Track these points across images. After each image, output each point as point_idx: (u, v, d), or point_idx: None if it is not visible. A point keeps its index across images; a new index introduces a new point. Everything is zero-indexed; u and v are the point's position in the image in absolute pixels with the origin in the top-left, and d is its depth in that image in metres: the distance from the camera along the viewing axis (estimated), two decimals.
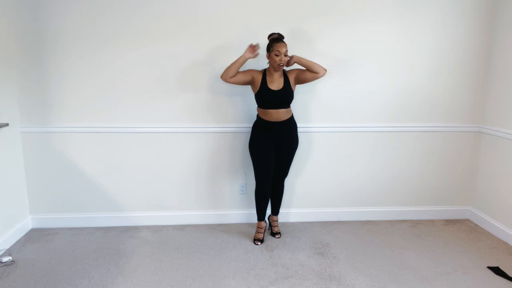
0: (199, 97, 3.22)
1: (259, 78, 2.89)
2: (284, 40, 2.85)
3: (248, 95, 3.17)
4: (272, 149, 2.98)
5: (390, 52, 3.26)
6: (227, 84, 3.18)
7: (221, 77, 2.85)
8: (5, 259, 2.74)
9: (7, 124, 2.94)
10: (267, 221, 3.35)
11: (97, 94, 3.14)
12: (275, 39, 2.82)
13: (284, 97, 2.88)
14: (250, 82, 2.91)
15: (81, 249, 2.97)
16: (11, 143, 3.06)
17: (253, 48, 2.84)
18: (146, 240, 3.12)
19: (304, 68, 2.92)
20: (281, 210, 3.37)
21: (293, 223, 3.46)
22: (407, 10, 3.20)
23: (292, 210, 3.48)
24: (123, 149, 3.25)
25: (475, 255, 2.94)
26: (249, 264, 2.78)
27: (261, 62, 3.06)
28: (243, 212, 3.45)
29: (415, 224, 3.48)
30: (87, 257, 2.84)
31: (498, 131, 3.24)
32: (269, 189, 3.08)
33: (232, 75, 2.83)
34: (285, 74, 2.94)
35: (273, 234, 3.22)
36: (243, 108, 3.20)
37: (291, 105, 3.03)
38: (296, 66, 2.97)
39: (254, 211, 3.40)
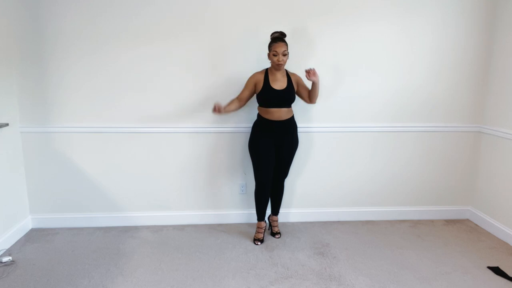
0: (199, 97, 3.21)
1: (261, 79, 2.88)
2: (285, 39, 2.84)
3: None
4: (272, 149, 2.97)
5: (390, 52, 3.26)
6: (227, 84, 3.19)
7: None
8: (5, 259, 2.74)
9: (7, 124, 2.94)
10: (267, 221, 3.35)
11: (97, 94, 3.14)
12: (275, 38, 2.82)
13: (287, 97, 2.88)
14: (256, 88, 2.91)
15: (81, 249, 2.97)
16: (11, 143, 3.06)
17: (217, 111, 2.81)
18: (146, 240, 3.12)
19: (304, 84, 2.99)
20: (281, 210, 3.37)
21: (293, 223, 3.46)
22: (407, 10, 3.20)
23: (292, 210, 3.48)
24: (123, 149, 3.25)
25: (475, 255, 2.94)
26: (249, 264, 2.78)
27: (263, 63, 3.06)
28: (243, 212, 3.45)
29: (415, 224, 3.48)
30: (87, 257, 2.84)
31: (498, 131, 3.24)
32: (269, 189, 3.07)
33: (237, 108, 2.95)
34: (288, 75, 2.94)
35: (273, 234, 3.22)
36: (243, 108, 3.19)
37: (292, 105, 3.03)
38: (300, 72, 3.00)
39: (254, 211, 3.40)
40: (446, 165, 3.51)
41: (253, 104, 3.10)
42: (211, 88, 3.21)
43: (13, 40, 2.99)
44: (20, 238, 3.14)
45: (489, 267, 2.77)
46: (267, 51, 2.91)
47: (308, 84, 3.02)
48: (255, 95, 2.98)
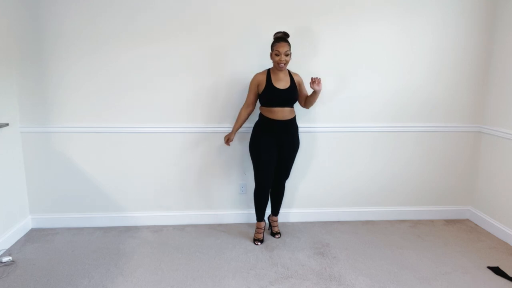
0: (199, 97, 3.22)
1: (263, 79, 2.86)
2: (288, 40, 2.82)
3: None
4: (273, 149, 2.94)
5: (390, 52, 3.26)
6: (228, 84, 3.19)
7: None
8: (5, 259, 2.74)
9: (7, 124, 2.94)
10: (267, 221, 3.35)
11: (97, 94, 3.14)
12: (278, 38, 2.79)
13: (290, 96, 2.86)
14: (259, 88, 2.90)
15: (81, 249, 2.97)
16: (11, 143, 3.06)
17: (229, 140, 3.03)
18: (146, 240, 3.12)
19: (304, 88, 3.00)
20: (281, 210, 3.37)
21: (293, 223, 3.46)
22: (407, 10, 3.20)
23: (292, 210, 3.48)
24: (123, 149, 3.25)
25: (475, 255, 2.94)
26: (249, 264, 2.78)
27: (264, 63, 3.06)
28: (243, 212, 3.45)
29: (415, 224, 3.48)
30: (87, 257, 2.84)
31: (498, 131, 3.24)
32: (269, 190, 3.06)
33: (247, 116, 3.01)
34: (290, 74, 2.92)
35: (273, 234, 3.22)
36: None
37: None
38: (301, 74, 3.01)
39: (254, 211, 3.40)
40: (446, 165, 3.51)
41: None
42: (212, 88, 3.21)
43: (13, 40, 2.99)
44: (20, 238, 3.14)
45: (489, 267, 2.77)
46: (268, 51, 2.91)
47: (309, 90, 3.01)
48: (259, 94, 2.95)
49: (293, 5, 3.11)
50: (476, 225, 3.49)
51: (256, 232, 3.14)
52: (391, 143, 3.42)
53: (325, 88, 3.24)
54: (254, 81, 2.90)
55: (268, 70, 2.90)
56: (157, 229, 3.32)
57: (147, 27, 3.07)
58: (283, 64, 2.78)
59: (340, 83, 3.27)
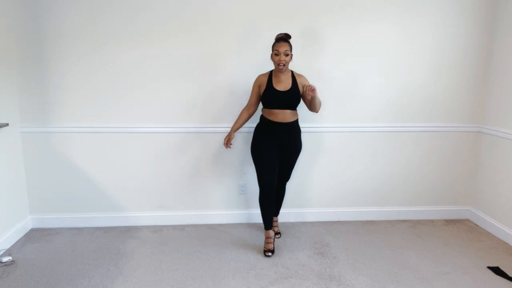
0: (200, 97, 3.22)
1: (264, 80, 2.83)
2: (290, 41, 2.78)
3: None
4: (275, 151, 2.86)
5: (390, 52, 3.26)
6: (228, 84, 3.19)
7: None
8: (5, 259, 2.74)
9: (7, 124, 2.94)
10: None
11: (97, 94, 3.14)
12: (278, 39, 2.76)
13: (291, 99, 2.79)
14: (260, 90, 2.86)
15: (81, 249, 2.97)
16: (11, 143, 3.06)
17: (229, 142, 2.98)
18: (146, 240, 3.12)
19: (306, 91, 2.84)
20: (281, 210, 3.36)
21: (293, 223, 3.46)
22: (407, 10, 3.20)
23: (292, 210, 3.48)
24: (123, 149, 3.25)
25: (475, 255, 2.94)
26: (249, 264, 2.78)
27: (265, 63, 3.06)
28: (243, 212, 3.45)
29: (415, 224, 3.48)
30: (87, 257, 2.84)
31: (498, 131, 3.23)
32: (273, 194, 2.91)
33: (248, 117, 2.99)
34: (294, 77, 2.85)
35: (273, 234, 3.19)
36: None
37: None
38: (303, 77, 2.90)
39: (253, 211, 3.41)
40: (446, 165, 3.51)
41: None
42: (212, 88, 3.21)
43: (13, 40, 2.99)
44: (20, 238, 3.14)
45: (489, 267, 2.77)
46: (267, 52, 2.90)
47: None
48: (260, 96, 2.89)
49: (292, 6, 3.11)
50: (476, 225, 3.49)
51: (266, 243, 2.95)
52: (391, 143, 3.42)
53: (325, 88, 3.24)
54: (256, 82, 2.88)
55: (271, 72, 2.86)
56: (157, 229, 3.32)
57: (147, 27, 3.07)
58: (282, 64, 2.72)
59: (339, 83, 3.27)
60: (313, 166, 3.41)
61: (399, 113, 3.37)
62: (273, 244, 2.96)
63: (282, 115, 2.82)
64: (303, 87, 2.74)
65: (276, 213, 3.23)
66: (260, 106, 2.98)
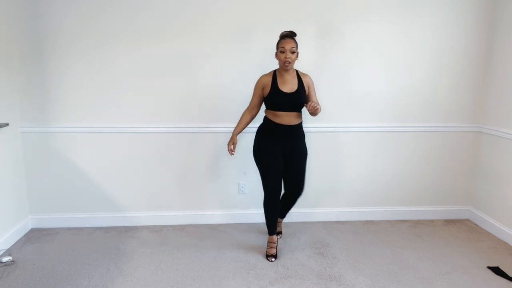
0: (200, 97, 3.21)
1: (268, 81, 2.69)
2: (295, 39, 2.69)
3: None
4: (278, 154, 2.74)
5: (390, 52, 3.26)
6: (229, 84, 3.19)
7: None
8: (5, 259, 2.74)
9: (7, 124, 2.93)
10: None
11: (97, 94, 3.14)
12: (283, 36, 2.64)
13: (297, 100, 2.67)
14: (264, 91, 2.73)
15: (81, 249, 2.97)
16: (11, 143, 3.06)
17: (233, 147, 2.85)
18: (146, 240, 3.12)
19: (313, 92, 2.79)
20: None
21: (293, 223, 3.45)
22: (407, 10, 3.20)
23: (292, 210, 3.45)
24: (123, 149, 3.25)
25: (475, 255, 2.94)
26: (249, 264, 2.78)
27: (265, 63, 3.06)
28: (243, 212, 3.45)
29: (415, 224, 3.48)
30: (87, 257, 2.84)
31: (498, 131, 3.23)
32: (279, 197, 2.83)
33: (251, 120, 2.86)
34: (299, 76, 2.73)
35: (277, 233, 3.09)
36: (244, 108, 3.19)
37: None
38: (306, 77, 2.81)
39: (254, 211, 3.41)
40: (446, 165, 3.51)
41: None
42: (212, 88, 3.21)
43: (13, 40, 2.99)
44: (20, 238, 3.14)
45: (489, 267, 2.77)
46: (268, 51, 2.89)
47: (319, 95, 2.89)
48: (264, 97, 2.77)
49: (292, 5, 3.11)
50: (476, 225, 3.49)
51: (269, 247, 2.89)
52: (391, 143, 3.42)
53: (326, 88, 3.24)
54: (259, 84, 2.74)
55: (274, 72, 2.73)
56: (157, 229, 3.32)
57: (148, 28, 3.07)
58: (288, 62, 2.60)
59: (340, 83, 3.27)
60: (313, 166, 3.41)
61: (399, 113, 3.37)
62: (276, 249, 2.90)
63: (287, 118, 2.69)
64: (307, 104, 2.61)
65: (282, 216, 3.12)
66: (263, 106, 2.89)
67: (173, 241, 3.11)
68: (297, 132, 2.77)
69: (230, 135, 2.95)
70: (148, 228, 3.35)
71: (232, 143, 2.83)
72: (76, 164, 3.25)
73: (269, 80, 2.70)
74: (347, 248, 3.03)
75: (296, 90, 2.67)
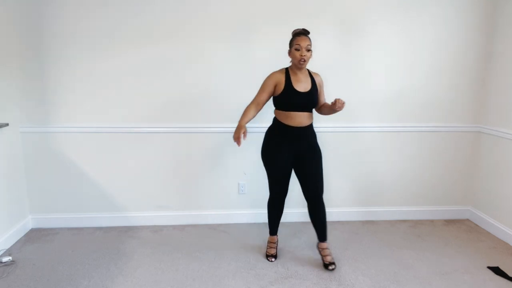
0: (200, 97, 3.21)
1: (282, 79, 2.56)
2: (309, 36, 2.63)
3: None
4: (291, 158, 2.66)
5: (391, 52, 3.26)
6: (229, 84, 3.19)
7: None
8: (5, 259, 2.74)
9: (7, 124, 2.93)
10: (318, 250, 2.88)
11: (97, 94, 3.14)
12: (297, 33, 2.55)
13: (312, 100, 2.60)
14: (276, 90, 2.60)
15: (81, 249, 2.97)
16: (11, 143, 3.06)
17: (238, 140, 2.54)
18: (146, 240, 3.12)
19: (323, 91, 2.75)
20: (283, 210, 3.28)
21: (293, 223, 3.45)
22: (407, 10, 3.20)
23: (292, 210, 3.47)
24: (123, 149, 3.25)
25: (475, 255, 2.94)
26: (249, 264, 2.78)
27: (266, 63, 3.06)
28: (243, 212, 3.45)
29: (415, 224, 3.48)
30: (87, 257, 2.84)
31: (498, 131, 3.23)
32: (284, 200, 2.81)
33: (255, 115, 2.62)
34: (310, 75, 2.66)
35: (326, 265, 2.70)
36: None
37: None
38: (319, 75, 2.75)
39: (253, 211, 3.41)
40: (446, 165, 3.51)
41: None
42: (212, 88, 3.21)
43: (13, 40, 2.99)
44: (20, 238, 3.13)
45: (489, 267, 2.77)
46: (267, 52, 2.89)
47: (327, 95, 2.84)
48: (273, 96, 2.65)
49: (292, 5, 3.11)
50: (476, 225, 3.49)
51: (269, 247, 2.89)
52: (391, 143, 3.42)
53: (327, 89, 3.22)
54: (272, 80, 2.58)
55: (287, 69, 2.62)
56: (157, 229, 3.32)
57: (148, 28, 3.06)
58: (304, 60, 2.49)
59: (341, 83, 3.27)
60: None
61: (399, 113, 3.37)
62: (276, 249, 2.90)
63: (299, 119, 2.59)
64: (335, 100, 2.52)
65: (324, 237, 2.78)
66: (267, 107, 2.76)
67: (173, 241, 3.11)
68: (308, 133, 2.67)
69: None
70: (148, 228, 3.35)
71: (244, 131, 2.53)
72: (76, 164, 3.25)
73: (282, 78, 2.57)
74: (347, 248, 3.03)
75: (311, 89, 2.60)
